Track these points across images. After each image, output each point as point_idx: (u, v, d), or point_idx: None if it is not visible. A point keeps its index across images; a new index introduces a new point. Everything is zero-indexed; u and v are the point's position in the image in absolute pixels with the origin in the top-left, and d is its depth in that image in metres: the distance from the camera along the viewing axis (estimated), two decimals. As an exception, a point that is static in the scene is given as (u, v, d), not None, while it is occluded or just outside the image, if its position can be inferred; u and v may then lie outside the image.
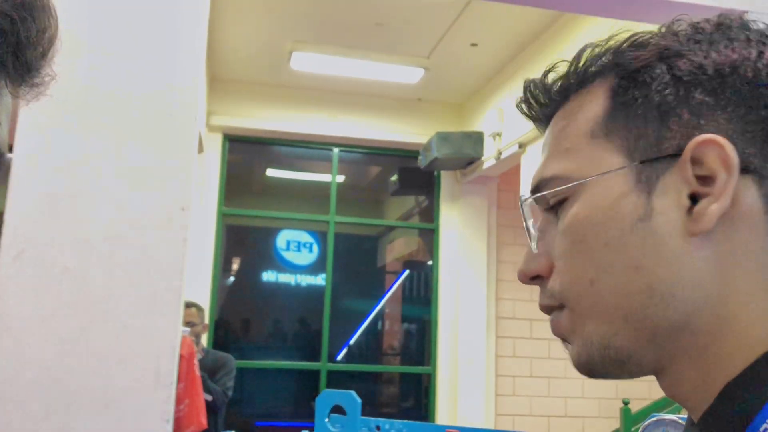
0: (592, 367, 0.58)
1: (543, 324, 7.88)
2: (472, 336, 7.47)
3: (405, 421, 2.04)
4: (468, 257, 7.59)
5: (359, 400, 1.70)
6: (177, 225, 2.55)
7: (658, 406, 6.75)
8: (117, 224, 2.50)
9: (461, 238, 7.61)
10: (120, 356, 2.47)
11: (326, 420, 1.72)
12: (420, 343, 8.00)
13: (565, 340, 0.60)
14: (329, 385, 7.16)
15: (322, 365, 7.17)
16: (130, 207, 2.53)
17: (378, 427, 1.98)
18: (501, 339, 7.78)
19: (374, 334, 8.13)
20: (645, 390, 7.85)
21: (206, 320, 3.55)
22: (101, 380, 2.44)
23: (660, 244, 0.53)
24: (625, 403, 6.68)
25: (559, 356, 7.90)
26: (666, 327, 0.54)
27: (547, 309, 0.61)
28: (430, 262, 7.92)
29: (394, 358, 8.21)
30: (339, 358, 7.38)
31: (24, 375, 2.42)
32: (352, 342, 7.73)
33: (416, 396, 7.55)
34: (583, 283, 0.56)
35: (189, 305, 3.61)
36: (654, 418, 1.21)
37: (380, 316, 8.15)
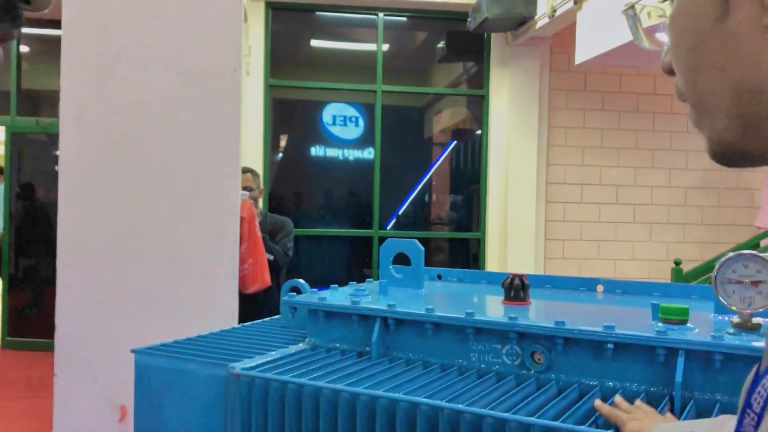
0: (718, 160, 0.57)
1: (593, 189, 7.81)
2: (521, 201, 7.45)
3: (458, 269, 2.07)
4: (518, 123, 7.43)
5: (422, 247, 1.72)
6: (230, 86, 2.53)
7: (709, 266, 6.75)
8: (171, 87, 2.49)
9: (512, 103, 7.42)
10: (184, 218, 2.54)
11: (390, 268, 1.75)
12: (469, 209, 8.05)
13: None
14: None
15: (374, 232, 7.32)
16: (183, 69, 2.51)
17: (439, 276, 2.01)
18: (551, 204, 7.76)
19: (423, 203, 8.20)
20: (696, 252, 7.84)
21: (262, 185, 3.60)
22: (168, 241, 2.53)
23: (739, 44, 0.49)
24: (677, 263, 6.68)
25: (609, 220, 7.88)
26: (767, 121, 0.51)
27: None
28: (478, 132, 7.80)
29: (443, 226, 8.30)
30: (389, 227, 7.49)
31: (93, 237, 2.52)
32: (402, 212, 7.83)
33: (465, 261, 7.69)
34: (688, 82, 0.55)
35: (244, 171, 3.66)
36: (733, 254, 1.19)
37: (429, 185, 8.18)
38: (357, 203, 7.86)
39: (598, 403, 1.12)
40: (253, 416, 1.34)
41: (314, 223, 7.52)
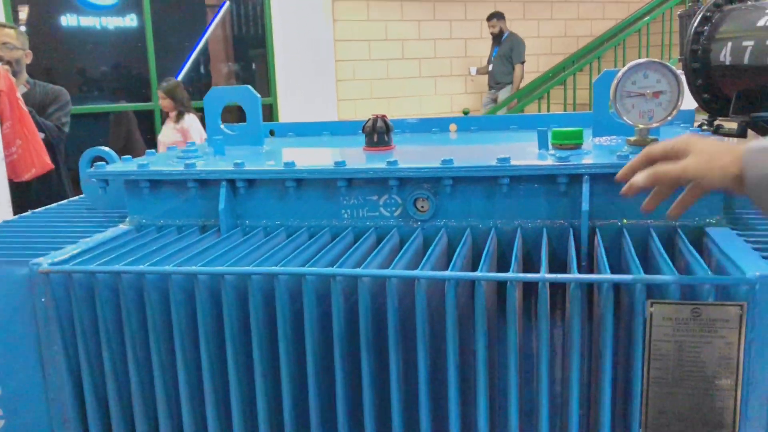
0: None
1: (381, 45, 7.71)
2: (311, 62, 7.16)
3: (292, 122, 1.82)
4: (300, -25, 6.96)
5: (258, 95, 1.42)
6: None
7: (497, 109, 7.11)
8: None
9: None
10: None
11: (220, 124, 1.44)
12: (256, 75, 7.59)
13: None
14: (164, 123, 6.71)
15: (154, 105, 6.63)
16: None
17: (272, 132, 1.74)
18: (340, 63, 7.55)
19: (203, 71, 7.57)
20: (477, 101, 8.19)
21: (28, 47, 2.88)
22: None
23: None
24: (465, 113, 6.94)
25: (397, 76, 7.91)
26: None
27: None
28: (257, -13, 7.22)
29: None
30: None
31: None
32: (181, 78, 7.14)
33: (260, 128, 7.31)
34: None
35: (2, 25, 2.93)
36: (632, 63, 1.07)
37: (207, 51, 7.53)
38: (128, 75, 7.03)
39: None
40: (77, 322, 1.03)
41: (80, 102, 6.57)
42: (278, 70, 7.17)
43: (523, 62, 7.20)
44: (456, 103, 8.15)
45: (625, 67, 1.07)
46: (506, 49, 7.20)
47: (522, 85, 7.46)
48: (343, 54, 7.56)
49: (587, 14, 8.50)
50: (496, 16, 7.25)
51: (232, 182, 1.18)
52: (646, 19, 7.31)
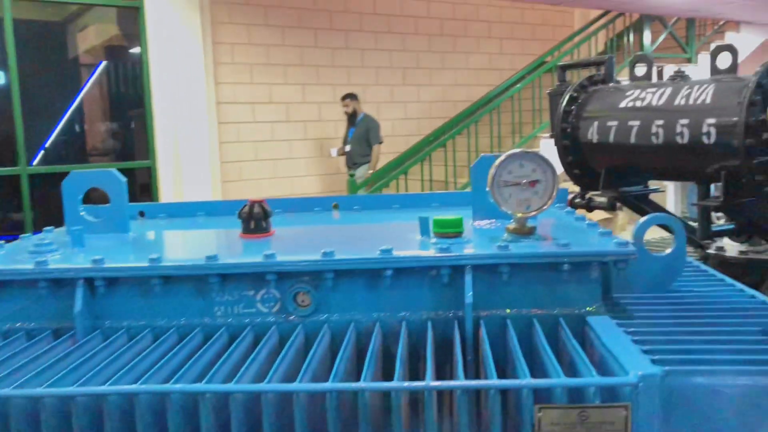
0: None
1: (265, 107, 7.68)
2: (193, 124, 6.99)
3: (165, 202, 1.72)
4: (181, 39, 6.84)
5: (124, 178, 1.32)
6: None
7: (377, 176, 7.19)
8: None
9: (171, 16, 6.77)
10: None
11: (80, 211, 1.32)
12: (134, 136, 7.32)
13: None
14: (33, 192, 6.30)
15: (21, 169, 6.21)
16: None
17: (142, 213, 1.63)
18: (223, 125, 7.45)
19: (78, 132, 7.22)
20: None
21: None
22: None
23: None
24: (351, 175, 6.98)
25: (282, 138, 7.88)
26: None
27: None
28: (135, 49, 7.03)
29: (104, 156, 7.44)
30: (35, 162, 6.41)
31: None
32: (51, 144, 6.76)
33: (138, 192, 7.01)
34: None
35: None
36: (508, 153, 1.07)
37: (81, 112, 7.20)
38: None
39: None
40: None
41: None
42: (157, 131, 6.95)
43: (380, 143, 7.38)
44: (343, 164, 8.21)
45: (502, 157, 1.07)
46: (362, 131, 7.36)
47: (403, 150, 7.62)
48: (226, 116, 7.46)
49: (464, 80, 8.90)
50: (350, 96, 7.42)
51: (90, 281, 1.06)
52: (517, 86, 7.73)
